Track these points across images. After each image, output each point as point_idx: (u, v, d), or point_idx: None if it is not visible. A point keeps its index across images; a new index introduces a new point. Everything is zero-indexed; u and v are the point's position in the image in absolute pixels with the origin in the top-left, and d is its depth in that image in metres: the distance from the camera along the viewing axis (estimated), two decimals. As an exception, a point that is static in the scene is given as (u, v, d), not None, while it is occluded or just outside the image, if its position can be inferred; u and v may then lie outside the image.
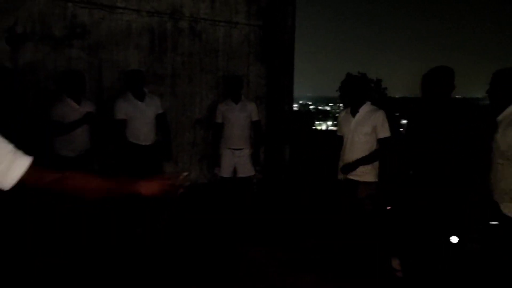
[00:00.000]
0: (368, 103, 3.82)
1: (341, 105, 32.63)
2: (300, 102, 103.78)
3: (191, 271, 3.65)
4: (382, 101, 23.53)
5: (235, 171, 4.91)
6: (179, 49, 5.45)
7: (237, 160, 4.86)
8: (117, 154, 4.69)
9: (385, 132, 3.74)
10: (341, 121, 4.01)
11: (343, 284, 3.54)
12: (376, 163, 3.84)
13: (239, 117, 4.77)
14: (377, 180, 3.84)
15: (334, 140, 4.09)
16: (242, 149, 4.85)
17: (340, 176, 3.95)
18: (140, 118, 4.50)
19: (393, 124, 4.16)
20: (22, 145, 1.50)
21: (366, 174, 3.81)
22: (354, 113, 3.84)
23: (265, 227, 4.63)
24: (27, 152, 1.51)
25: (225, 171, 4.90)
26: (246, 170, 4.92)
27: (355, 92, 3.86)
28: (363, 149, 3.78)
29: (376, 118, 3.74)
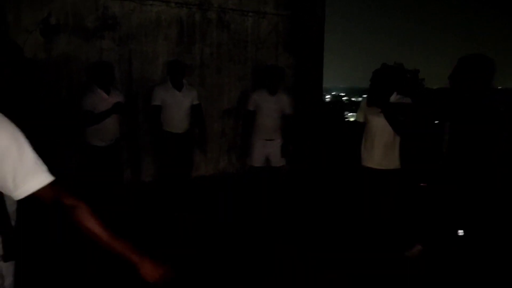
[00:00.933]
0: (395, 93, 3.81)
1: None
2: (333, 93, 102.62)
3: (216, 267, 3.65)
4: (419, 92, 23.00)
5: (267, 160, 4.87)
6: (207, 40, 5.48)
7: (269, 151, 4.80)
8: (150, 142, 4.78)
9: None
10: (366, 109, 3.97)
11: (372, 281, 3.50)
12: (398, 151, 3.86)
13: (273, 110, 4.70)
14: (400, 167, 3.86)
15: (355, 127, 4.11)
16: (274, 140, 4.81)
17: (364, 163, 3.96)
18: (175, 106, 4.63)
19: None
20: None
21: (392, 162, 3.85)
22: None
23: (292, 222, 4.62)
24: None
25: (257, 161, 4.83)
26: (278, 160, 4.87)
27: (386, 82, 3.82)
28: (393, 135, 3.82)
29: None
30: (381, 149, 3.85)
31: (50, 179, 1.37)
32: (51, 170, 1.41)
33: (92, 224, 1.43)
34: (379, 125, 3.81)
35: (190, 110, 4.79)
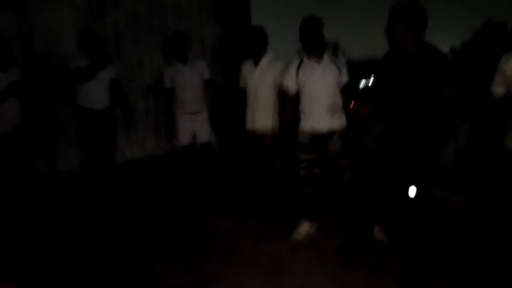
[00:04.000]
0: (269, 53, 3.86)
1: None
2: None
3: (157, 245, 3.47)
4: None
5: (194, 137, 4.47)
6: (121, 8, 4.90)
7: (195, 125, 4.41)
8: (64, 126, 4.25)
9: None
10: (244, 73, 3.98)
11: (318, 253, 3.29)
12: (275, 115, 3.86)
13: (190, 78, 4.30)
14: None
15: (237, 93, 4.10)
16: (199, 112, 4.40)
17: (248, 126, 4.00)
18: (95, 82, 4.13)
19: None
20: None
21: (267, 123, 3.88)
22: (256, 64, 3.88)
23: (231, 197, 4.40)
24: None
25: (184, 138, 4.43)
26: (205, 134, 4.47)
27: (255, 43, 3.85)
28: (267, 101, 3.85)
29: (276, 68, 3.80)
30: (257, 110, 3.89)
31: None
32: None
33: None
34: (253, 88, 3.88)
35: (109, 86, 4.29)
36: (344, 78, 3.43)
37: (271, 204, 4.07)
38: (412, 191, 2.87)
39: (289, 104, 3.52)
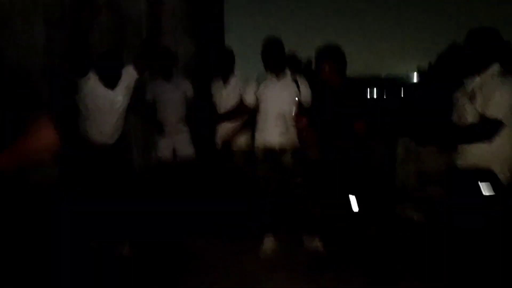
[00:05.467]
0: (237, 74, 4.14)
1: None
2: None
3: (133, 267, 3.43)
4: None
5: (174, 153, 4.48)
6: (94, 25, 4.90)
7: (175, 142, 4.43)
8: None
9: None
10: (214, 91, 4.33)
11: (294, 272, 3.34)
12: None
13: (172, 97, 4.32)
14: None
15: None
16: (179, 129, 4.43)
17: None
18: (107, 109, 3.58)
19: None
20: None
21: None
22: (225, 83, 4.17)
23: (205, 216, 4.33)
24: None
25: (163, 154, 4.44)
26: (186, 151, 4.50)
27: (222, 63, 4.16)
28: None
29: (244, 87, 3.88)
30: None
31: None
32: None
33: None
34: (222, 105, 4.24)
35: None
36: (305, 97, 3.55)
37: (249, 223, 4.07)
38: (353, 201, 3.10)
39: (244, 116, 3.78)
